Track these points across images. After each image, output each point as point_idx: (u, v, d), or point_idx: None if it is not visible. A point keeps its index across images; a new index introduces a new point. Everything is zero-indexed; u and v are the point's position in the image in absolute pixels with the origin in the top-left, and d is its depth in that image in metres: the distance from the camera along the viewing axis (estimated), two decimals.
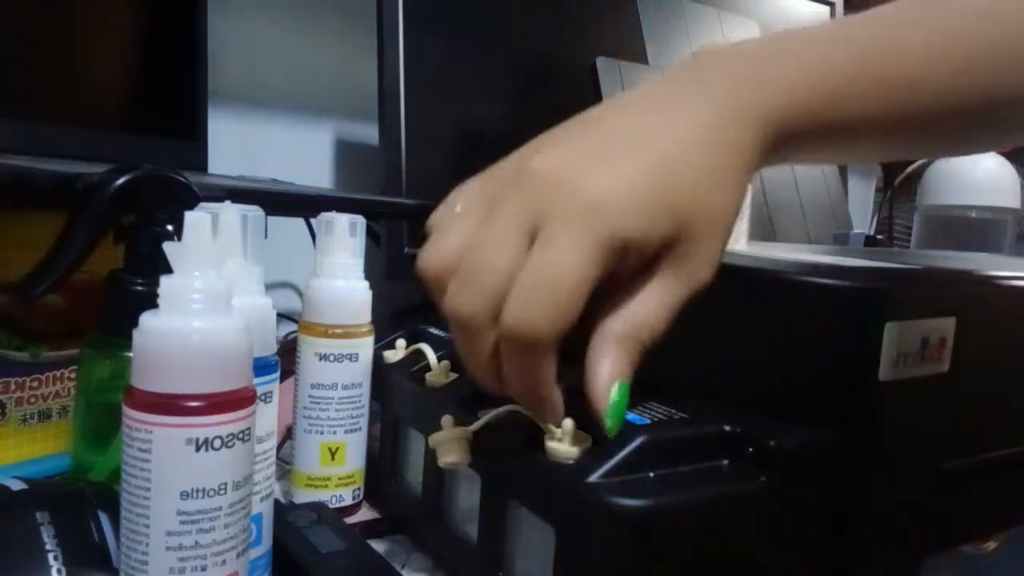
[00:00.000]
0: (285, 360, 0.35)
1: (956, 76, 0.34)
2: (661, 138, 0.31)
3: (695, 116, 0.32)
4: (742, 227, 0.48)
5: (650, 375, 0.31)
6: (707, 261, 0.31)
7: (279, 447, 0.41)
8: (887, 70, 0.35)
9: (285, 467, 0.44)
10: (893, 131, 0.36)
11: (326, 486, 0.42)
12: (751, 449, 0.30)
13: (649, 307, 0.30)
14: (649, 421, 0.31)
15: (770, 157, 0.34)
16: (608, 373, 0.29)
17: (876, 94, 0.34)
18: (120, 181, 0.36)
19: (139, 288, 0.36)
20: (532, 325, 0.28)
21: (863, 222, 1.38)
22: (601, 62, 0.83)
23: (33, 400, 0.42)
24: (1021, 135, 0.40)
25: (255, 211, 0.32)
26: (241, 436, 0.26)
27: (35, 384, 0.42)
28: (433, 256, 0.32)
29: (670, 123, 0.32)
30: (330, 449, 0.42)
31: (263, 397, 0.32)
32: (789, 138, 0.33)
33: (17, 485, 0.30)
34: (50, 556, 0.27)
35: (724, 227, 0.31)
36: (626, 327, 0.30)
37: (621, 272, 0.30)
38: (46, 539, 0.28)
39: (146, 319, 0.25)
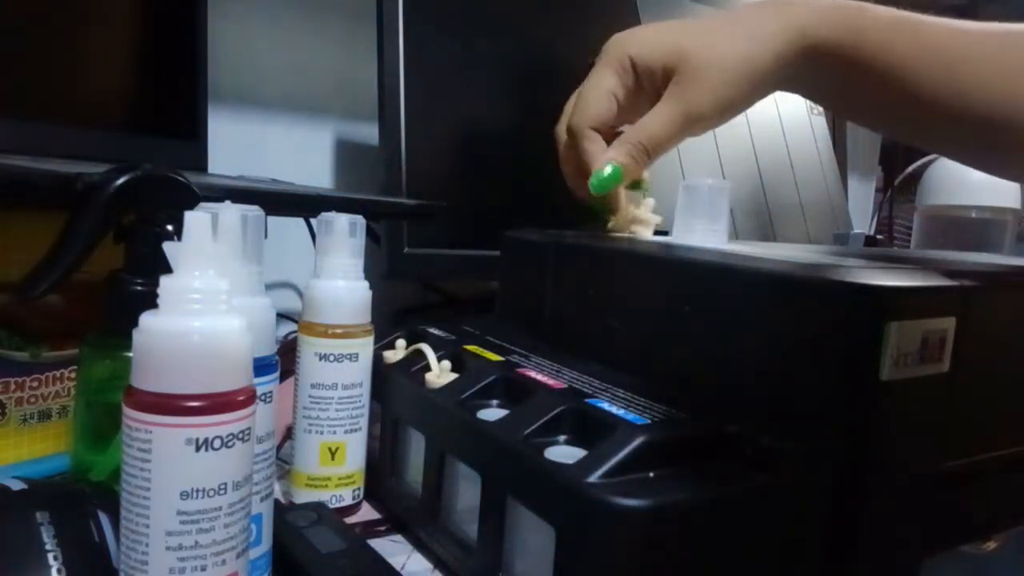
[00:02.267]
0: (285, 360, 0.35)
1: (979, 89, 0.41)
2: (695, 22, 0.44)
3: (744, 10, 0.43)
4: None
5: (650, 375, 0.31)
6: (703, 92, 0.42)
7: (279, 447, 0.41)
8: (930, 42, 0.42)
9: (285, 467, 0.44)
10: (903, 102, 0.43)
11: (326, 486, 0.42)
12: (751, 449, 0.30)
13: (650, 119, 0.43)
14: (649, 421, 0.31)
15: (794, 61, 0.43)
16: (606, 155, 0.44)
17: (906, 52, 0.41)
18: (120, 181, 0.36)
19: (139, 288, 0.36)
20: (571, 118, 0.46)
21: (863, 222, 1.38)
22: None
23: (33, 400, 0.42)
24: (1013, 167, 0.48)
25: (255, 211, 0.32)
26: (241, 436, 0.26)
27: (35, 384, 0.42)
28: None
29: (716, 16, 0.45)
30: (330, 449, 0.42)
31: (263, 397, 0.32)
32: (814, 50, 0.42)
33: (17, 485, 0.30)
34: (50, 556, 0.27)
35: (721, 68, 0.42)
36: (629, 134, 0.44)
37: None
38: (46, 539, 0.28)
39: (146, 319, 0.25)
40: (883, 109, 0.45)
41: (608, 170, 0.43)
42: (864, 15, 0.42)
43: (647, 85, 0.45)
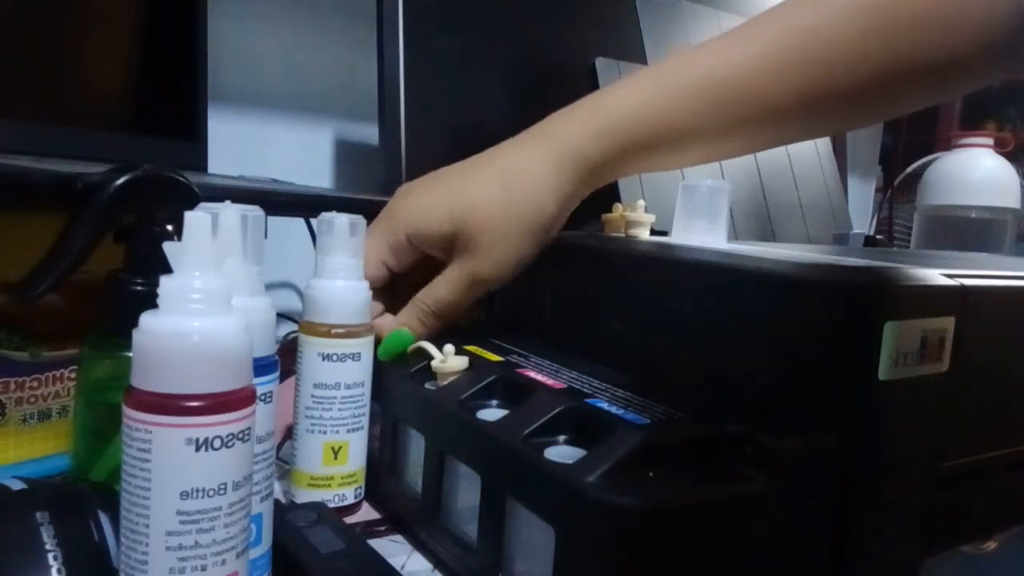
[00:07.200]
0: (285, 360, 0.35)
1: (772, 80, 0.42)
2: (464, 176, 0.45)
3: (505, 155, 0.45)
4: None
5: (650, 375, 0.31)
6: (485, 258, 0.43)
7: (279, 447, 0.41)
8: (698, 81, 0.43)
9: (285, 467, 0.44)
10: (714, 135, 0.44)
11: (329, 485, 0.42)
12: (750, 449, 0.30)
13: (439, 284, 0.44)
14: (649, 421, 0.31)
15: (580, 186, 0.44)
16: (396, 320, 0.45)
17: (688, 105, 0.43)
18: (120, 181, 0.36)
19: (139, 288, 0.36)
20: None
21: (863, 222, 1.38)
22: (601, 62, 0.83)
23: (33, 400, 0.42)
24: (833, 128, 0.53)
25: (255, 211, 0.32)
26: (241, 436, 0.26)
27: (35, 384, 0.42)
28: None
29: (482, 165, 0.45)
30: (333, 448, 0.42)
31: (263, 397, 0.32)
32: (593, 171, 0.44)
33: (17, 485, 0.30)
34: (50, 556, 0.27)
35: (497, 235, 0.43)
36: (420, 297, 0.45)
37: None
38: (46, 539, 0.28)
39: (146, 319, 0.25)
40: (681, 164, 0.48)
41: (398, 335, 0.43)
42: (617, 124, 0.43)
43: (432, 252, 0.45)
